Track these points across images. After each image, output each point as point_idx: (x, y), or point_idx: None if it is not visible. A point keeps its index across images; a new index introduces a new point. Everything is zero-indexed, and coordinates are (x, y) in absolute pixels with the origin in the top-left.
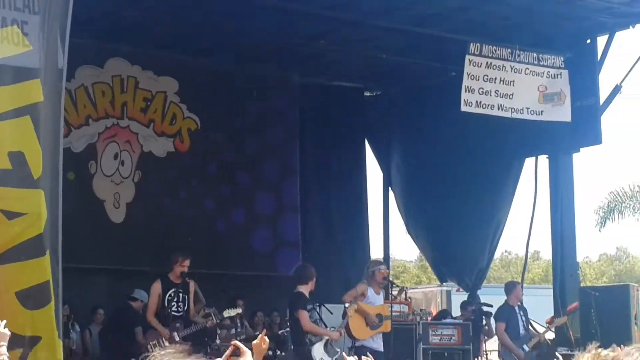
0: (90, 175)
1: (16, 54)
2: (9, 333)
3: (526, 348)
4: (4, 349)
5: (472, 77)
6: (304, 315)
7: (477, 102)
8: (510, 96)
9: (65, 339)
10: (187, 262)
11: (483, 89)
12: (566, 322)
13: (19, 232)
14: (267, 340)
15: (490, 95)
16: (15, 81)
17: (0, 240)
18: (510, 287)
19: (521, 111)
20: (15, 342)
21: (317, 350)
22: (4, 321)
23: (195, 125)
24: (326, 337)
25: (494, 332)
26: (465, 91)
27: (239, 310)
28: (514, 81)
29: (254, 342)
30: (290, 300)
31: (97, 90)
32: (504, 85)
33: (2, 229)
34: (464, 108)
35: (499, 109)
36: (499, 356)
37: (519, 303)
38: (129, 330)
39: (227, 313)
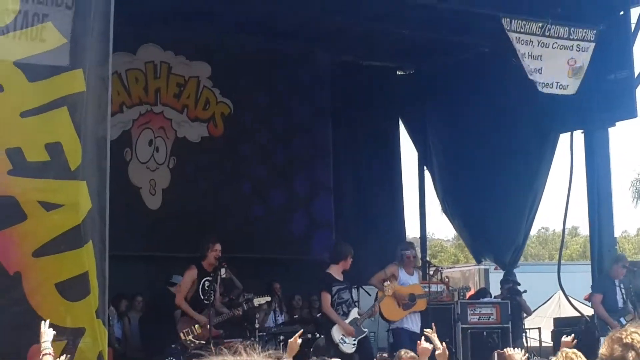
0: (125, 162)
1: (43, 51)
2: (53, 332)
3: (623, 321)
4: (48, 344)
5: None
6: (325, 298)
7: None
8: (540, 70)
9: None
10: (218, 247)
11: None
12: None
13: (58, 223)
14: (300, 340)
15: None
16: (48, 75)
17: (40, 231)
18: (613, 260)
19: (551, 85)
20: (57, 333)
21: (337, 330)
22: (48, 321)
23: (229, 109)
24: (353, 317)
25: (530, 310)
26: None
27: (268, 298)
28: (541, 55)
29: (290, 340)
30: (318, 281)
31: (130, 77)
32: (532, 60)
33: (42, 221)
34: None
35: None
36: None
37: (621, 277)
38: (168, 316)
39: (257, 301)
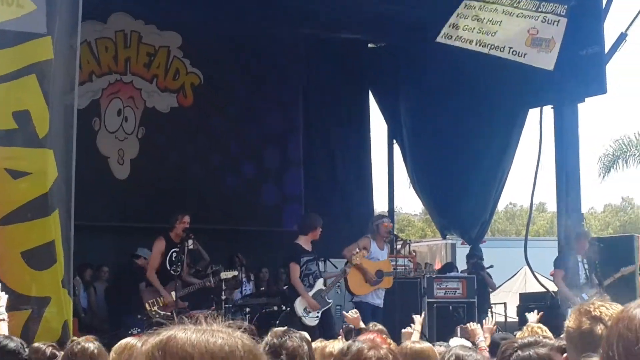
0: (94, 132)
1: (19, 16)
2: (6, 295)
3: (585, 297)
4: (3, 309)
5: (461, 16)
6: (293, 269)
7: (456, 36)
8: (493, 34)
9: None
10: (187, 219)
11: (467, 25)
12: (634, 271)
13: (25, 191)
14: None
15: (473, 32)
16: (19, 42)
17: (6, 199)
18: (576, 236)
19: (502, 49)
20: (22, 301)
21: (300, 303)
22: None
23: (199, 80)
24: (318, 288)
25: (494, 285)
26: (449, 26)
27: (235, 273)
28: (501, 21)
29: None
30: (285, 251)
31: (100, 46)
32: (490, 25)
33: (8, 188)
34: (439, 39)
35: (477, 44)
36: (560, 303)
37: (584, 253)
38: (134, 287)
39: (224, 275)
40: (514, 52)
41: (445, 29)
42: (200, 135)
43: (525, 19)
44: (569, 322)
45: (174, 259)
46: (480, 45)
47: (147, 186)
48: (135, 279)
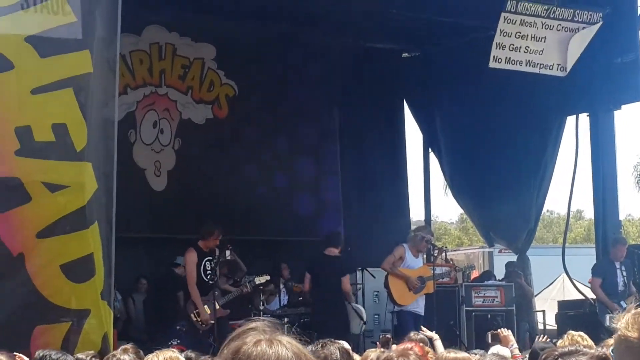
0: (130, 144)
1: (58, 25)
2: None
3: (624, 304)
4: None
5: (505, 34)
6: (347, 280)
7: (506, 58)
8: (540, 52)
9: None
10: (220, 236)
11: (514, 45)
12: None
13: (62, 204)
14: None
15: (520, 52)
16: (57, 53)
17: (44, 213)
18: (612, 243)
19: (550, 67)
20: (62, 314)
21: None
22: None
23: (233, 91)
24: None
25: (532, 293)
26: (496, 47)
27: (268, 277)
28: (545, 37)
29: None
30: (334, 264)
31: (135, 59)
32: (534, 42)
33: (46, 202)
34: (492, 64)
35: (527, 64)
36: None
37: (621, 259)
38: (172, 296)
39: (257, 280)
40: (561, 68)
41: (493, 51)
42: (236, 146)
43: (566, 32)
44: (630, 332)
45: (208, 268)
46: (530, 65)
47: (184, 197)
48: (173, 288)
